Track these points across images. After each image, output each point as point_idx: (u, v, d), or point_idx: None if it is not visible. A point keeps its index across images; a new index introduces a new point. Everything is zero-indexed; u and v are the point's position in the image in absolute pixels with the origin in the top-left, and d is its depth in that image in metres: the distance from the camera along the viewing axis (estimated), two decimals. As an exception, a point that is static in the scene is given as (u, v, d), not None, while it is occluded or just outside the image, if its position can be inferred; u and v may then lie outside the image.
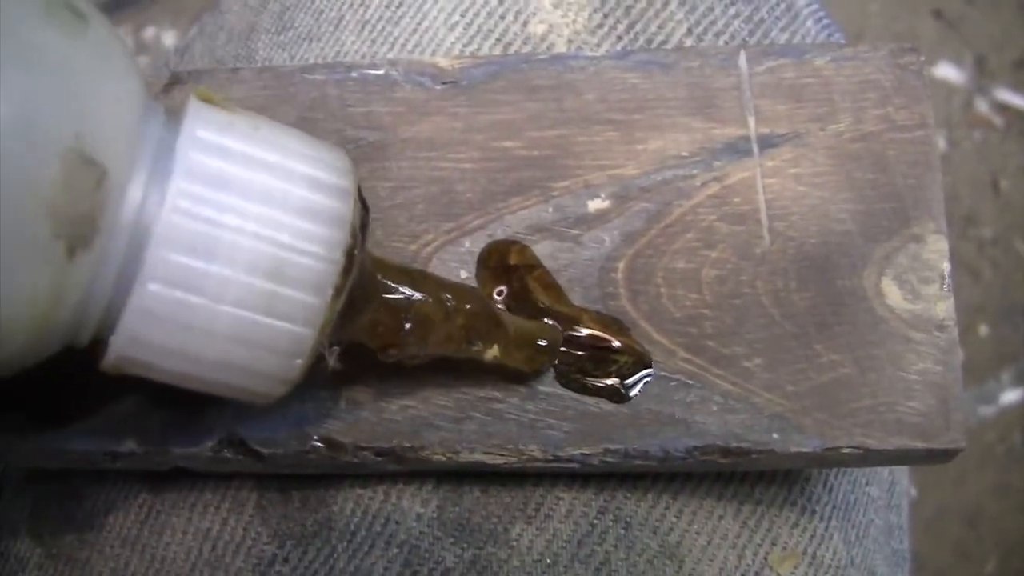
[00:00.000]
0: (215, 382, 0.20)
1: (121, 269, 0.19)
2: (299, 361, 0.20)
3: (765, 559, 0.26)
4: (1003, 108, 0.87)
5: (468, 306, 0.23)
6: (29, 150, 0.17)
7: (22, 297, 0.17)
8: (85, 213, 0.18)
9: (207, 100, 0.20)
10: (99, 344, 0.20)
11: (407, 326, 0.22)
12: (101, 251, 0.18)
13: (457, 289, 0.23)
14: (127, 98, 0.19)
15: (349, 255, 0.20)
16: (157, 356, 0.19)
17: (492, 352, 0.23)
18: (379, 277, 0.22)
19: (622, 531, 0.25)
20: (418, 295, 0.22)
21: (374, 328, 0.22)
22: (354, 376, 0.24)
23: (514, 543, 0.25)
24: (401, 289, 0.22)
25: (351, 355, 0.22)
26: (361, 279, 0.21)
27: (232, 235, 0.19)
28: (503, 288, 0.25)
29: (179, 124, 0.19)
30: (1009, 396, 0.81)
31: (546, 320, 0.24)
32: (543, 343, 0.24)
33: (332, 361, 0.21)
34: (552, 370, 0.24)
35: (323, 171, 0.20)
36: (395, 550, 0.25)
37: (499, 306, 0.24)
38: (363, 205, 0.21)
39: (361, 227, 0.20)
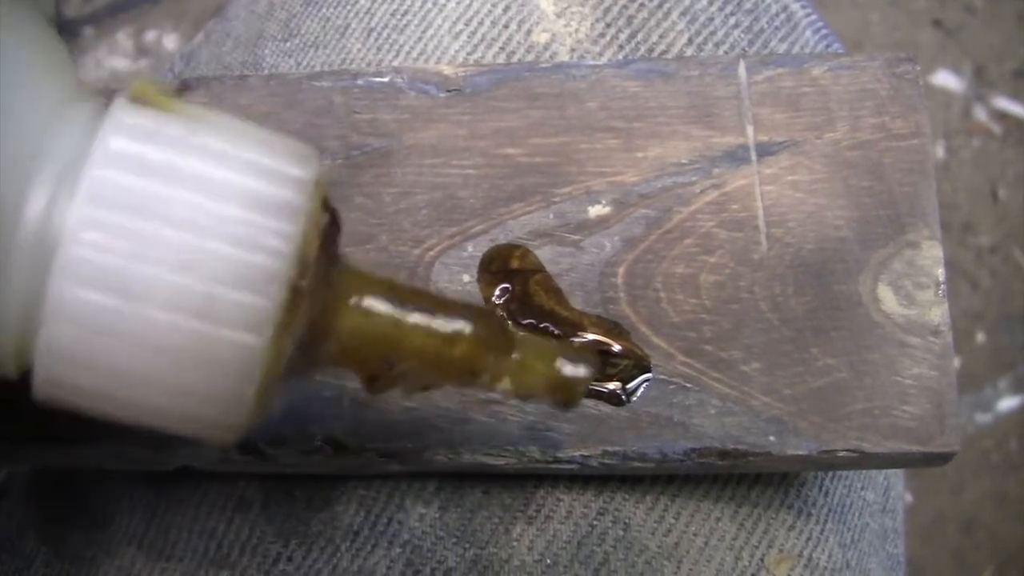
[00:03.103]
0: (155, 426, 0.18)
1: (27, 305, 0.16)
2: (242, 410, 0.17)
3: (762, 561, 0.26)
4: (1002, 116, 0.87)
5: (469, 330, 0.18)
6: None
7: None
8: None
9: (142, 99, 0.17)
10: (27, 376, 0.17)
11: (389, 357, 0.18)
12: None
13: (458, 309, 0.19)
14: (26, 110, 0.16)
15: (294, 288, 0.17)
16: (84, 399, 0.17)
17: (503, 385, 0.19)
18: (353, 298, 0.18)
19: (621, 532, 0.26)
20: (402, 317, 0.18)
21: (346, 358, 0.19)
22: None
23: (515, 544, 0.26)
24: (382, 312, 0.18)
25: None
26: (325, 305, 0.18)
27: (150, 268, 0.16)
28: (506, 287, 0.25)
29: (94, 132, 0.16)
30: (1006, 404, 0.81)
31: (578, 339, 0.21)
32: (569, 372, 0.19)
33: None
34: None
35: (269, 183, 0.17)
36: (398, 550, 0.26)
37: (498, 306, 0.22)
38: (332, 217, 0.18)
39: (325, 244, 0.17)
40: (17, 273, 0.16)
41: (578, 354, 0.20)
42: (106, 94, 0.18)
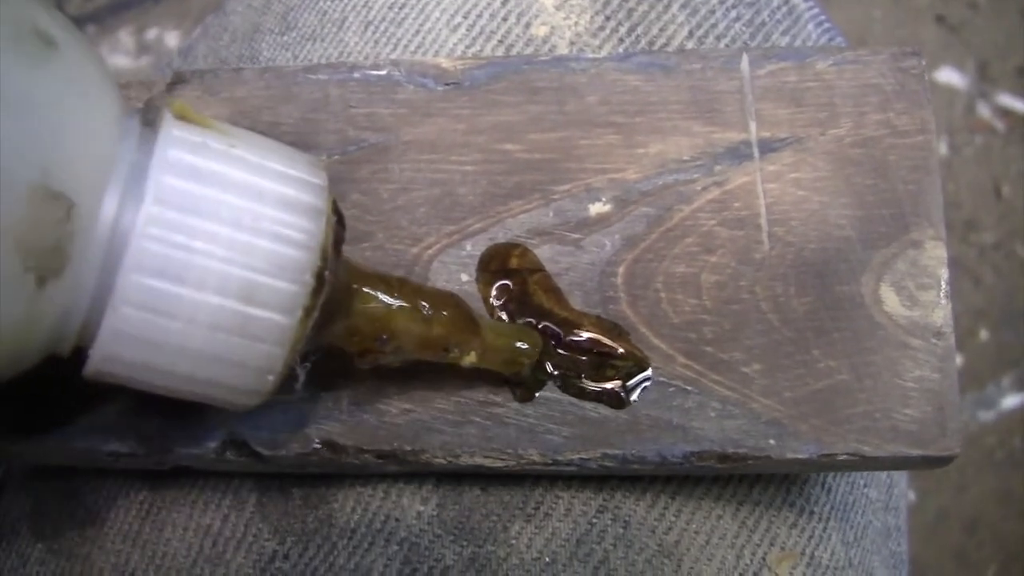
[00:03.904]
0: (191, 393, 0.20)
1: (95, 292, 0.19)
2: (271, 377, 0.20)
3: (763, 559, 0.26)
4: (1005, 113, 0.87)
5: (445, 313, 0.22)
6: None
7: None
8: (53, 246, 0.18)
9: (183, 116, 0.20)
10: (82, 351, 0.20)
11: (383, 335, 0.22)
12: (73, 278, 0.18)
13: (434, 295, 0.23)
14: (98, 125, 0.19)
15: (319, 276, 0.20)
16: (133, 371, 0.20)
17: (470, 358, 0.23)
18: (355, 286, 0.22)
19: (621, 530, 0.26)
20: (394, 303, 0.22)
21: (350, 336, 0.22)
22: (336, 384, 0.24)
23: (513, 541, 0.25)
24: (378, 297, 0.22)
25: (328, 363, 0.22)
26: (335, 292, 0.21)
27: (203, 259, 0.19)
28: (505, 286, 0.25)
29: (152, 145, 0.19)
30: (1009, 401, 0.81)
31: (532, 324, 0.24)
32: (522, 347, 0.23)
33: (302, 378, 0.21)
34: (552, 375, 0.24)
35: (296, 189, 0.20)
36: (395, 547, 0.26)
37: (496, 306, 0.24)
38: (338, 218, 0.21)
39: (335, 242, 0.20)
40: (92, 265, 0.19)
41: (528, 335, 0.24)
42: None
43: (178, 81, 0.26)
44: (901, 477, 0.32)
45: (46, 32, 0.18)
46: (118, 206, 0.19)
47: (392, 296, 0.22)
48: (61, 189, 0.18)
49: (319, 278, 0.20)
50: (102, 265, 0.19)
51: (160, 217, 0.18)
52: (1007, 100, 0.87)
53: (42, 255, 0.18)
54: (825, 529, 0.27)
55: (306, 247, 0.20)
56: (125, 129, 0.19)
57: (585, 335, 0.24)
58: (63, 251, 0.18)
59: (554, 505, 0.26)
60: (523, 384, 0.24)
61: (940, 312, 0.24)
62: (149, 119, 0.20)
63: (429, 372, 0.24)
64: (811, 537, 0.27)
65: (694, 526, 0.26)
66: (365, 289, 0.22)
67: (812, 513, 0.27)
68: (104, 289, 0.19)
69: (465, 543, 0.25)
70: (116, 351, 0.19)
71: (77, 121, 0.18)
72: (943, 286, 0.24)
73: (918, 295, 0.24)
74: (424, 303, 0.22)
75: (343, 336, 0.22)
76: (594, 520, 0.26)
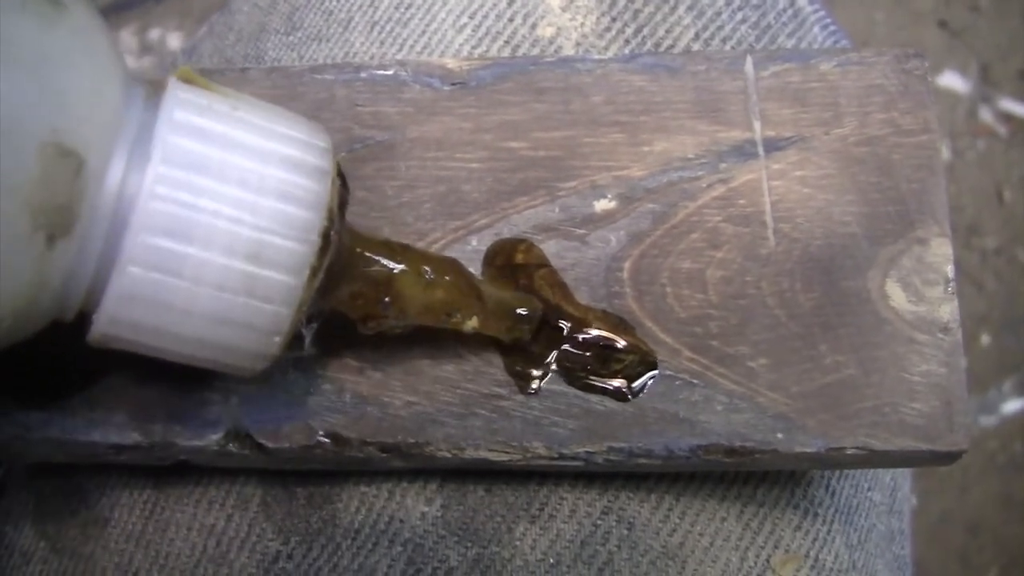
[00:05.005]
0: (196, 357, 0.20)
1: (102, 252, 0.19)
2: (278, 338, 0.20)
3: (767, 561, 0.26)
4: (1007, 118, 0.87)
5: (447, 278, 0.22)
6: (5, 147, 0.17)
7: (4, 285, 0.18)
8: (64, 204, 0.18)
9: (188, 80, 0.20)
10: (85, 317, 0.20)
11: (386, 299, 0.22)
12: (81, 238, 0.18)
13: (436, 261, 0.23)
14: (106, 85, 0.19)
15: (325, 236, 0.20)
16: (139, 334, 0.20)
17: (471, 323, 0.23)
18: (358, 250, 0.22)
19: (625, 532, 0.26)
20: (397, 267, 0.22)
21: (354, 300, 0.22)
22: (340, 350, 0.24)
23: (517, 543, 0.25)
24: (380, 262, 0.22)
25: (333, 329, 0.22)
26: (339, 255, 0.21)
27: (210, 218, 0.19)
28: (511, 281, 0.25)
29: (158, 106, 0.19)
30: (1011, 406, 0.81)
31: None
32: (522, 312, 0.24)
33: (309, 339, 0.22)
34: (558, 369, 0.24)
35: (301, 151, 0.20)
36: (399, 548, 0.26)
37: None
38: (342, 181, 0.21)
39: (340, 204, 0.21)
40: (99, 226, 0.19)
41: (528, 301, 0.24)
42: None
43: None
44: (905, 480, 0.32)
45: None
46: (125, 166, 0.19)
47: (395, 260, 0.22)
48: (72, 147, 0.18)
49: (325, 238, 0.20)
50: (109, 225, 0.19)
51: (167, 176, 0.18)
52: (1009, 105, 0.87)
53: (52, 213, 0.18)
54: (829, 532, 0.27)
55: (313, 206, 0.20)
56: (131, 91, 0.19)
57: (591, 329, 0.24)
58: (72, 210, 0.18)
59: (558, 506, 0.26)
60: (523, 353, 0.24)
61: (947, 307, 0.24)
62: (153, 86, 0.20)
63: (433, 361, 0.24)
64: (815, 540, 0.27)
65: (698, 528, 0.26)
66: (368, 253, 0.22)
67: (816, 516, 0.27)
68: (111, 250, 0.19)
69: (469, 544, 0.25)
70: (122, 313, 0.19)
71: (86, 80, 0.18)
72: (949, 282, 0.24)
73: (924, 291, 0.24)
74: (427, 268, 0.22)
75: (347, 301, 0.22)
76: (598, 521, 0.26)
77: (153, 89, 0.20)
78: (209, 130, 0.19)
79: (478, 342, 0.24)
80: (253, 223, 0.19)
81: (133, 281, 0.19)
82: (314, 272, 0.20)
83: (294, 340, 0.21)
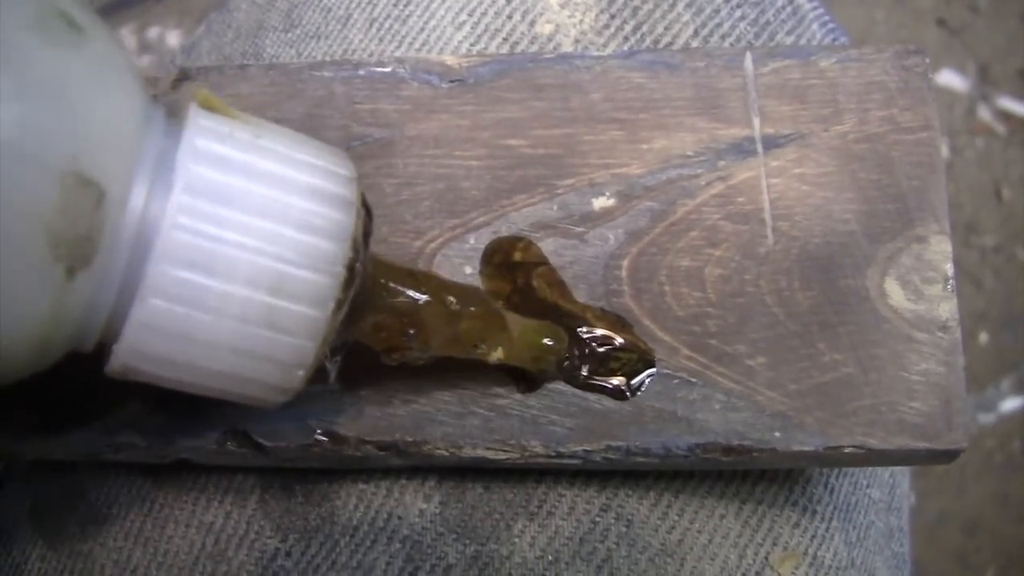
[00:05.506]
0: (218, 390, 0.20)
1: (123, 283, 0.18)
2: (300, 372, 0.20)
3: (766, 559, 0.26)
4: (1006, 116, 0.87)
5: (472, 308, 0.22)
6: (25, 176, 0.16)
7: (22, 319, 0.17)
8: (84, 234, 0.17)
9: (208, 105, 0.19)
10: (104, 348, 0.19)
11: (411, 330, 0.22)
12: (101, 269, 0.18)
13: (461, 291, 0.22)
14: (126, 112, 0.18)
15: (351, 268, 0.19)
16: (159, 367, 0.19)
17: (496, 354, 0.23)
18: (382, 280, 0.21)
19: (624, 529, 0.26)
20: (422, 298, 0.22)
21: (377, 331, 0.22)
22: (360, 377, 0.24)
23: (516, 540, 0.25)
24: (405, 292, 0.22)
25: (354, 358, 0.22)
26: (363, 286, 0.20)
27: (233, 250, 0.18)
28: (509, 277, 0.25)
29: (179, 133, 0.19)
30: (1009, 404, 0.81)
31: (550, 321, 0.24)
32: (549, 343, 0.23)
33: (333, 373, 0.21)
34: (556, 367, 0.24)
35: (325, 180, 0.19)
36: (397, 545, 0.26)
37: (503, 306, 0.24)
38: (367, 211, 0.20)
39: (364, 234, 0.20)
40: (119, 257, 0.18)
41: (554, 331, 0.24)
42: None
43: (182, 77, 0.26)
44: (904, 478, 0.32)
45: (71, 16, 0.18)
46: (146, 195, 0.18)
47: (419, 291, 0.22)
48: (92, 176, 0.17)
49: (351, 270, 0.19)
50: (130, 256, 0.18)
51: (190, 206, 0.18)
52: (1008, 103, 0.87)
53: (72, 245, 0.17)
54: (828, 529, 0.27)
55: (337, 238, 0.19)
56: (151, 117, 0.19)
57: (589, 328, 0.24)
58: (93, 241, 0.17)
59: (557, 504, 0.26)
60: (534, 378, 0.24)
61: (946, 306, 0.24)
62: (173, 108, 0.20)
63: (433, 367, 0.24)
64: (814, 537, 0.27)
65: (697, 525, 0.26)
66: (392, 284, 0.21)
67: (815, 513, 0.27)
68: (131, 281, 0.18)
69: (468, 541, 0.25)
70: (143, 345, 0.19)
71: (106, 107, 0.18)
72: (949, 280, 0.24)
73: (923, 289, 0.24)
74: (451, 298, 0.22)
75: (370, 332, 0.21)
76: (597, 519, 0.26)
77: (172, 112, 0.19)
78: (231, 159, 0.19)
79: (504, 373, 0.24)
80: (276, 254, 0.19)
81: (154, 313, 0.18)
82: (339, 305, 0.19)
83: (317, 373, 0.20)
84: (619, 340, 0.24)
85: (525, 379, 0.24)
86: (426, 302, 0.22)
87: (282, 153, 0.19)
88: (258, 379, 0.20)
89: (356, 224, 0.20)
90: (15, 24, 0.17)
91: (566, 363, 0.24)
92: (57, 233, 0.17)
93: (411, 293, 0.22)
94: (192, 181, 0.18)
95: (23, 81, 0.17)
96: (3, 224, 0.16)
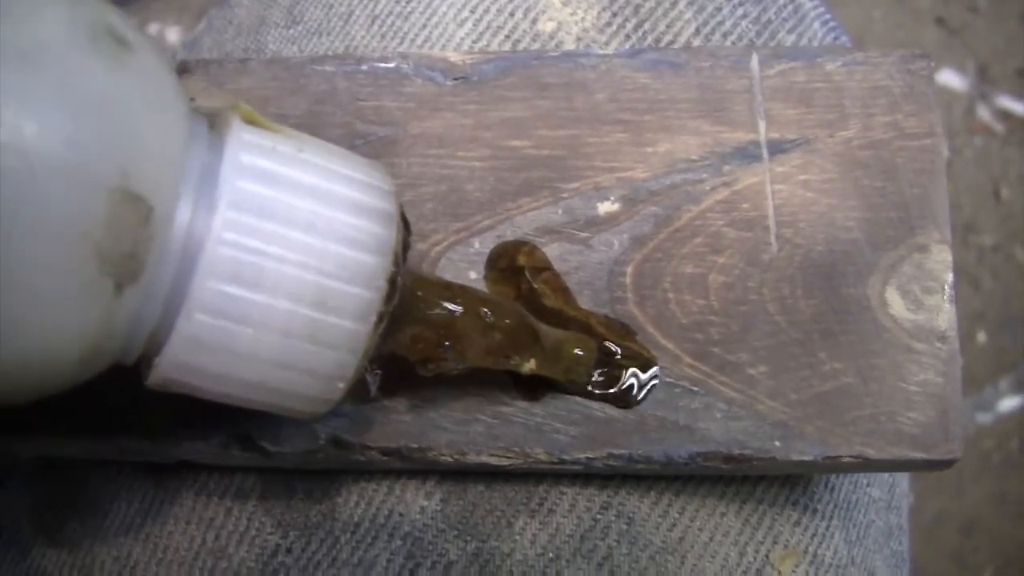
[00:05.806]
0: (258, 402, 0.20)
1: (167, 298, 0.18)
2: (341, 384, 0.20)
3: (767, 557, 0.26)
4: (1005, 116, 0.87)
5: (507, 321, 0.22)
6: (75, 191, 0.17)
7: (71, 333, 0.17)
8: (131, 251, 0.17)
9: (250, 120, 0.19)
10: (145, 361, 0.19)
11: (446, 342, 0.22)
12: (148, 284, 0.18)
13: (495, 304, 0.23)
14: (172, 127, 0.18)
15: (392, 281, 0.20)
16: (202, 379, 0.19)
17: (529, 365, 0.23)
18: (419, 293, 0.22)
19: (625, 527, 0.26)
20: (457, 310, 0.22)
21: (414, 343, 0.22)
22: (391, 388, 0.24)
23: (517, 537, 0.25)
24: (441, 304, 0.22)
25: (390, 369, 0.22)
26: (401, 298, 0.20)
27: (277, 264, 0.18)
28: (514, 283, 0.24)
29: (222, 148, 0.19)
30: (1007, 404, 0.81)
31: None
32: (580, 354, 0.23)
33: (374, 386, 0.21)
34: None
35: (366, 194, 0.19)
36: (398, 542, 0.26)
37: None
38: (405, 223, 0.21)
39: (403, 247, 0.20)
40: (166, 272, 0.18)
41: (584, 342, 0.23)
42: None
43: (183, 71, 0.26)
44: (903, 477, 0.32)
45: (119, 32, 0.18)
46: (192, 211, 0.18)
47: (455, 303, 0.22)
48: (140, 191, 0.17)
49: (392, 283, 0.20)
50: (176, 271, 0.18)
51: (236, 221, 0.18)
52: (1007, 102, 0.87)
53: (121, 260, 0.17)
54: (828, 527, 0.27)
55: (379, 251, 0.19)
56: (195, 132, 0.19)
57: (594, 336, 0.24)
58: (140, 258, 0.18)
59: (558, 501, 0.26)
60: (536, 387, 0.24)
61: (944, 316, 0.24)
62: (213, 121, 0.20)
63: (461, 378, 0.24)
64: (814, 535, 0.27)
65: (698, 523, 0.26)
66: (428, 296, 0.22)
67: (815, 511, 0.27)
68: (177, 295, 0.18)
69: (469, 538, 0.25)
70: (186, 358, 0.19)
71: (153, 122, 0.18)
72: (948, 290, 0.24)
73: (923, 299, 0.24)
74: (486, 310, 0.22)
75: (407, 344, 0.22)
76: (598, 516, 0.26)
77: (212, 125, 0.19)
78: (275, 173, 0.19)
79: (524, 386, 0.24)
80: (320, 269, 0.19)
81: (199, 327, 0.18)
82: (380, 318, 0.20)
83: (357, 385, 0.21)
84: (623, 348, 0.24)
85: (528, 387, 0.24)
86: (462, 314, 0.22)
87: (323, 167, 0.19)
88: (299, 392, 0.20)
89: (396, 238, 0.20)
90: (66, 41, 0.17)
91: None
92: (105, 248, 0.17)
93: (447, 305, 0.22)
94: (236, 196, 0.18)
95: (73, 98, 0.17)
96: (54, 241, 0.16)
